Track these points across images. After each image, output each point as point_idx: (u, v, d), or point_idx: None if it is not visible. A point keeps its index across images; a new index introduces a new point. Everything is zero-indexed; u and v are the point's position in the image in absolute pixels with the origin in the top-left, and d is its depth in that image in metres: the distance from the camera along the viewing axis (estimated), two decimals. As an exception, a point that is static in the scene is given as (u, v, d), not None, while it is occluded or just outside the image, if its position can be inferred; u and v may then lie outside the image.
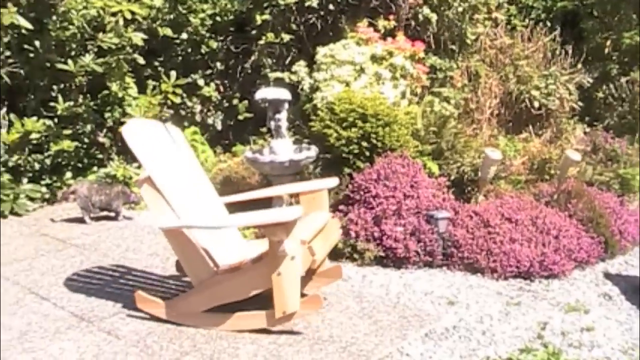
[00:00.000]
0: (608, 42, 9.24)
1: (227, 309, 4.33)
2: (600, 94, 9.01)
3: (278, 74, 8.03)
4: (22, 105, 7.55)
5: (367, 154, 6.07)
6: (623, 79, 8.98)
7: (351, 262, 5.46)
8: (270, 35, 8.15)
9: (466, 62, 8.24)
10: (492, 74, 8.17)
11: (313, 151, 6.18)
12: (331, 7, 8.19)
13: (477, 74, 8.15)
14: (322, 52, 7.34)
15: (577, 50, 8.68)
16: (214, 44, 8.59)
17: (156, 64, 8.48)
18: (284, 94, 6.18)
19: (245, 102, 8.52)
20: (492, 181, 6.40)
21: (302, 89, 7.47)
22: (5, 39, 6.84)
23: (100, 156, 7.86)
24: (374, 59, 7.21)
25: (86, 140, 7.75)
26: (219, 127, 8.70)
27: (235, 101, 8.67)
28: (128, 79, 7.79)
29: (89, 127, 7.70)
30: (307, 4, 8.02)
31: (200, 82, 8.54)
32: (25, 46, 7.24)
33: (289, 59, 8.25)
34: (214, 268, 4.39)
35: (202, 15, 8.46)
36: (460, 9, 8.13)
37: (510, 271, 5.22)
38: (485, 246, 5.35)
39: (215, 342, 4.19)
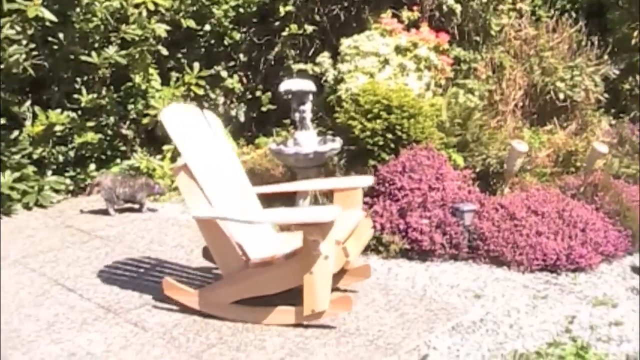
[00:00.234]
0: (635, 33, 9.10)
1: (255, 302, 4.32)
2: (627, 86, 8.88)
3: (301, 66, 8.00)
4: (46, 98, 7.58)
5: (392, 145, 6.04)
6: (650, 71, 8.89)
7: (376, 255, 5.44)
8: (294, 27, 8.13)
9: (490, 53, 8.16)
10: (517, 66, 8.09)
11: (338, 143, 6.15)
12: (355, -2, 8.16)
13: (502, 66, 8.07)
14: (346, 43, 7.30)
15: (602, 41, 8.58)
16: (237, 36, 8.57)
17: (179, 55, 8.47)
18: (309, 86, 6.16)
19: (269, 93, 8.49)
20: (518, 173, 6.35)
21: (325, 81, 7.44)
22: (30, 32, 6.85)
23: (123, 148, 7.88)
24: (398, 50, 7.16)
25: (109, 132, 7.78)
26: (242, 119, 8.67)
27: (258, 93, 8.65)
28: (151, 71, 7.80)
29: (112, 119, 7.73)
30: (330, -5, 8.00)
31: (224, 73, 8.52)
32: (49, 39, 7.27)
33: (312, 50, 8.22)
34: (245, 260, 4.36)
35: (225, 6, 8.43)
36: (484, 0, 8.06)
37: (536, 264, 5.17)
38: (511, 239, 5.30)
39: (242, 334, 4.19)
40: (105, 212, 6.69)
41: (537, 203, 5.61)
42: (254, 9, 8.62)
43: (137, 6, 7.36)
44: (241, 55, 8.79)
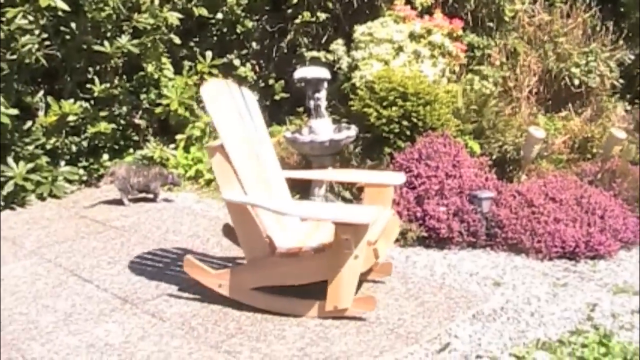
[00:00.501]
0: (650, 18, 9.05)
1: (274, 290, 4.30)
2: (642, 71, 8.83)
3: (314, 53, 7.94)
4: (58, 88, 7.55)
5: (408, 133, 6.02)
6: (665, 55, 8.80)
7: (393, 243, 5.40)
8: (307, 14, 8.06)
9: (504, 39, 8.09)
10: (531, 52, 8.02)
11: (353, 131, 6.11)
12: (368, -16, 8.09)
13: (516, 52, 8.00)
14: (360, 30, 7.25)
15: (617, 26, 8.51)
16: (250, 24, 8.50)
17: (191, 44, 8.42)
18: (324, 73, 6.12)
19: (282, 82, 8.44)
20: (534, 160, 6.30)
21: (339, 68, 7.38)
22: (42, 22, 6.82)
23: (136, 138, 7.85)
24: (412, 37, 7.11)
25: (122, 122, 7.73)
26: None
27: (271, 81, 8.58)
28: (164, 60, 7.76)
29: (125, 109, 7.69)
30: (343, -18, 7.93)
31: (236, 62, 8.46)
32: (62, 28, 7.23)
33: (325, 38, 8.15)
34: (271, 249, 4.31)
35: (237, -6, 8.40)
36: (498, -14, 8.00)
37: (555, 252, 5.13)
38: (529, 226, 5.26)
39: (261, 324, 4.16)
40: (119, 202, 6.67)
41: (554, 190, 5.57)
42: (267, -4, 8.58)
43: (149, -6, 7.32)
44: (254, 44, 8.73)
